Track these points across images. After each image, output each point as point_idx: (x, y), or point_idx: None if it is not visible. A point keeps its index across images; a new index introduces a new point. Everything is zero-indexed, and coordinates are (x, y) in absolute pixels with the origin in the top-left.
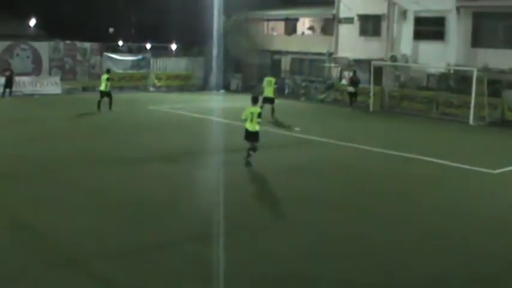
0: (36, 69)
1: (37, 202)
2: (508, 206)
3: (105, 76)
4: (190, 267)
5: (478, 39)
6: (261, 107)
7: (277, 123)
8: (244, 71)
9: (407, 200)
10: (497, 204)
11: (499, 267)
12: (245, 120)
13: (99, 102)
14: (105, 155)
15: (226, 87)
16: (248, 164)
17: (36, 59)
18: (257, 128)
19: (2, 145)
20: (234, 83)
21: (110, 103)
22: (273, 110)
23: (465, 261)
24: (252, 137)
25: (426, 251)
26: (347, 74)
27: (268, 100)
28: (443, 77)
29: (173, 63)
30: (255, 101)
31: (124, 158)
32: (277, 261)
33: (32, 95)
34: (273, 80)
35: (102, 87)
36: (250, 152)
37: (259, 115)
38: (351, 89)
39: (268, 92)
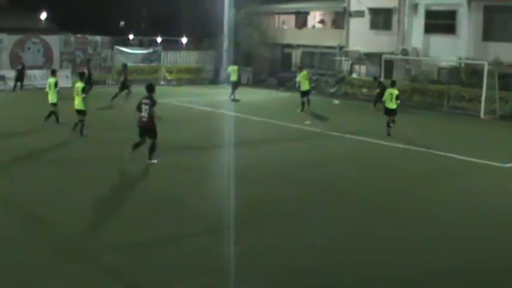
0: (47, 63)
1: (49, 193)
2: None
3: (235, 67)
4: (201, 260)
5: (489, 32)
6: (303, 101)
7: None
8: (255, 64)
9: (417, 194)
10: (508, 199)
11: (509, 263)
12: (385, 101)
13: (233, 93)
14: (117, 148)
15: None
16: (389, 134)
17: (47, 53)
18: (394, 106)
19: (13, 137)
20: (245, 76)
21: (233, 92)
22: (304, 102)
23: (475, 257)
24: (390, 112)
25: (434, 246)
26: (357, 68)
27: (305, 93)
28: (454, 71)
29: (184, 56)
30: (393, 84)
31: (136, 151)
32: (287, 255)
33: (43, 88)
34: (307, 73)
35: (234, 78)
36: (390, 125)
37: (397, 97)
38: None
39: (305, 85)
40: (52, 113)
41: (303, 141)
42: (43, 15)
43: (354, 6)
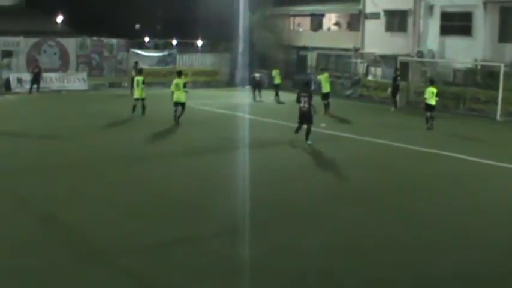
0: (63, 66)
1: (66, 196)
2: None
3: (277, 70)
4: (215, 262)
5: (505, 34)
6: (326, 103)
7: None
8: (270, 67)
9: (432, 197)
10: None
11: None
12: (426, 97)
13: (276, 94)
14: (134, 150)
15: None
16: (430, 128)
17: (63, 56)
18: (434, 102)
19: (31, 141)
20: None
21: (277, 94)
22: (328, 104)
23: (490, 258)
24: (431, 108)
25: (450, 248)
26: (373, 70)
27: (326, 95)
28: (470, 73)
29: (199, 59)
30: (432, 82)
31: (152, 153)
32: (303, 256)
33: (59, 91)
34: (328, 76)
35: (278, 81)
36: (431, 123)
37: (437, 94)
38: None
39: (326, 87)
40: (143, 106)
41: (318, 143)
42: (59, 18)
43: (369, 8)
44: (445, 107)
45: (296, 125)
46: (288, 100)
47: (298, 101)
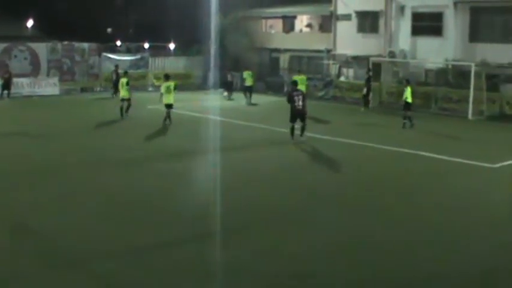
0: (34, 71)
1: (39, 202)
2: (509, 199)
3: (250, 72)
4: (192, 266)
5: (475, 34)
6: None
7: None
8: (243, 69)
9: (408, 196)
10: (498, 198)
11: (502, 262)
12: (407, 97)
13: (249, 96)
14: (106, 155)
15: None
16: (411, 126)
17: (34, 60)
18: (410, 100)
19: (5, 147)
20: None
21: (251, 96)
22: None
23: (468, 257)
24: (407, 106)
25: (428, 247)
26: (345, 71)
27: None
28: (441, 72)
29: (172, 62)
30: (408, 82)
31: (125, 157)
32: (279, 259)
33: (30, 96)
34: (304, 78)
35: (250, 83)
36: (410, 122)
37: (412, 93)
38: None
39: (302, 89)
40: (128, 106)
41: (293, 145)
42: (29, 23)
43: (340, 10)
44: (417, 106)
45: (289, 126)
46: (262, 102)
47: (290, 100)
